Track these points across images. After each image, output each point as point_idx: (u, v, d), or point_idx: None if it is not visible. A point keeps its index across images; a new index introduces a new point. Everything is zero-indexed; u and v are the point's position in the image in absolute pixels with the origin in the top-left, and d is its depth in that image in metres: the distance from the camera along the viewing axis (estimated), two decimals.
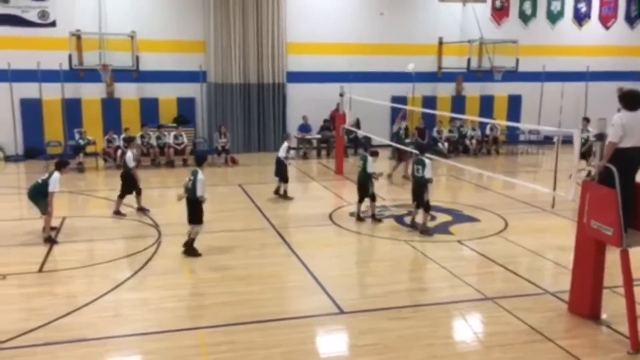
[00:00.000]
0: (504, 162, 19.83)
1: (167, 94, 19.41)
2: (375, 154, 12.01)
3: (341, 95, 16.90)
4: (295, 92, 20.56)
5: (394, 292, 8.33)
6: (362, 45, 20.71)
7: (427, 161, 10.92)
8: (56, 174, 10.32)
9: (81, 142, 17.48)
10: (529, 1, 22.69)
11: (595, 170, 7.14)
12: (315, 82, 20.24)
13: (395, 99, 20.10)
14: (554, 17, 23.10)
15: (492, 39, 20.87)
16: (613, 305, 7.42)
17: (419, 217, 11.25)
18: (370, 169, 11.73)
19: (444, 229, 11.45)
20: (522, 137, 22.30)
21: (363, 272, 9.63)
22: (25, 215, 12.04)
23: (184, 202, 9.72)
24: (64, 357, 6.43)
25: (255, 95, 20.06)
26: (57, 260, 9.60)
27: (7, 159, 18.37)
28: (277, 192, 13.73)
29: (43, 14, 18.27)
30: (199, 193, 9.43)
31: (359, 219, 11.87)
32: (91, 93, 18.76)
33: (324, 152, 20.25)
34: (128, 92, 19.24)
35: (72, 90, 18.37)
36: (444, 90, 22.12)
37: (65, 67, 17.49)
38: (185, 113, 19.62)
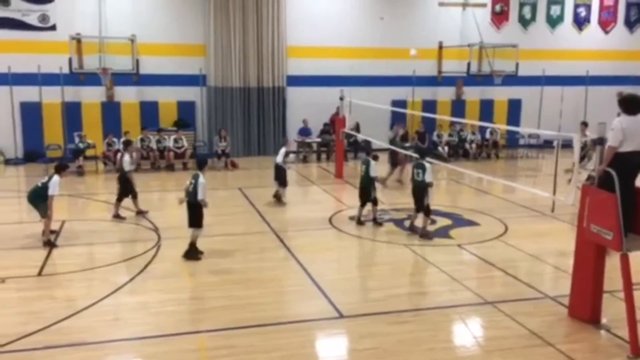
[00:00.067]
0: (504, 166, 19.83)
1: (167, 97, 19.41)
2: (375, 158, 12.04)
3: (341, 99, 16.91)
4: (295, 96, 20.56)
5: (394, 296, 8.31)
6: (362, 49, 20.72)
7: (427, 165, 10.91)
8: (56, 178, 10.30)
9: (81, 145, 17.50)
10: (528, 5, 22.72)
11: (589, 173, 7.15)
12: (315, 85, 20.24)
13: (395, 103, 20.19)
14: (553, 22, 23.13)
15: (492, 43, 20.93)
16: (613, 310, 7.42)
17: (419, 221, 11.24)
18: (374, 173, 11.74)
19: (443, 233, 11.44)
20: (522, 141, 22.30)
21: (363, 276, 9.63)
22: (24, 219, 12.05)
23: (184, 206, 9.72)
24: None
25: (255, 98, 20.05)
26: (56, 264, 9.60)
27: (7, 162, 18.35)
28: (276, 195, 13.75)
29: (43, 18, 18.28)
30: (200, 196, 9.44)
31: (360, 222, 11.86)
32: (91, 96, 18.77)
33: (323, 156, 20.26)
34: (128, 96, 19.24)
35: (72, 93, 18.37)
36: (444, 94, 22.13)
37: (66, 70, 17.51)
38: (185, 116, 19.62)
